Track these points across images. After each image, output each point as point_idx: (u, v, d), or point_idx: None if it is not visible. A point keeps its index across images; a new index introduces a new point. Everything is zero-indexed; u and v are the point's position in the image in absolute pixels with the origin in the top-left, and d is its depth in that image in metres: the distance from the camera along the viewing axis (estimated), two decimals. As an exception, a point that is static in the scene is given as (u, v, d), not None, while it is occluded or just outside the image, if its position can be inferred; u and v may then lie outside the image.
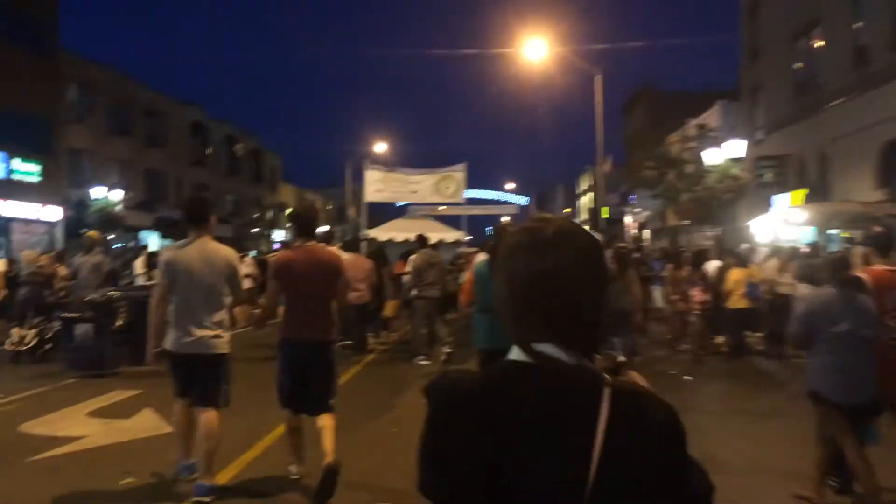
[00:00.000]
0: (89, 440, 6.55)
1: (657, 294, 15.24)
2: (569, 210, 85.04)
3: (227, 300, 5.28)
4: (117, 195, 29.09)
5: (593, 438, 1.19)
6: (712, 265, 12.39)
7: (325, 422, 5.22)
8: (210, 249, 5.19)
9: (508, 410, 1.23)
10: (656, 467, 1.21)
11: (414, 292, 12.01)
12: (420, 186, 23.27)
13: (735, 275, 11.73)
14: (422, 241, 12.98)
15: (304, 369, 5.27)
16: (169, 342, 5.13)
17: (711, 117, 28.96)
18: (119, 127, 34.80)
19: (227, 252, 5.32)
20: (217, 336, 5.16)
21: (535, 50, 26.83)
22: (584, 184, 74.96)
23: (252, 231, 51.42)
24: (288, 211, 62.66)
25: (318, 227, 5.92)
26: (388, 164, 25.08)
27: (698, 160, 20.73)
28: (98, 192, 28.70)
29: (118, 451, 6.27)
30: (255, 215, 54.11)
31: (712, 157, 19.07)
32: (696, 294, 11.69)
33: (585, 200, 73.72)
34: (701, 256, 12.79)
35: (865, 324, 4.74)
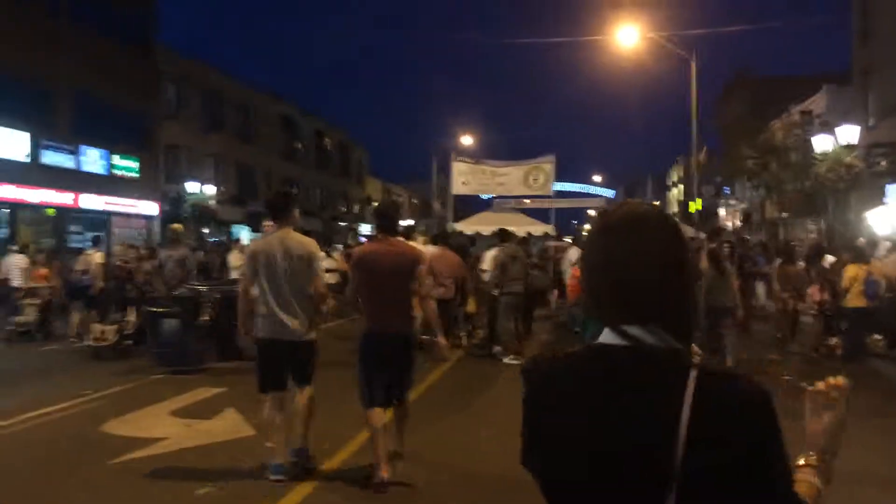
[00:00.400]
0: (170, 442, 6.42)
1: (760, 291, 14.26)
2: (657, 203, 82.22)
3: (310, 289, 5.44)
4: (211, 190, 29.78)
5: (678, 421, 1.18)
6: (829, 260, 11.42)
7: (399, 412, 5.52)
8: (291, 240, 5.41)
9: (597, 389, 1.28)
10: (744, 452, 1.17)
11: (496, 290, 11.59)
12: (508, 178, 22.75)
13: (852, 271, 10.77)
14: (503, 235, 12.49)
15: (385, 361, 5.36)
16: (258, 330, 5.42)
17: (817, 103, 27.27)
18: (212, 122, 35.67)
19: (308, 242, 5.54)
20: (302, 323, 5.38)
21: (627, 36, 25.82)
22: (675, 175, 72.57)
23: (339, 224, 52.03)
24: (374, 204, 63.36)
25: (399, 221, 6.08)
26: (474, 156, 24.58)
27: (805, 148, 19.40)
28: (192, 187, 29.45)
29: (198, 455, 6.09)
30: (342, 209, 54.74)
31: (823, 143, 17.75)
32: (814, 292, 10.78)
33: (675, 192, 71.38)
34: (818, 251, 11.83)
35: None
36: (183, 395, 8.15)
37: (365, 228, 57.15)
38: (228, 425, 6.97)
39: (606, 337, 1.32)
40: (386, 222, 5.69)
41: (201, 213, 29.36)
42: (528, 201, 25.75)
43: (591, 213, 25.60)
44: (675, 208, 73.92)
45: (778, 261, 13.11)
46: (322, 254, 6.05)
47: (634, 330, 1.28)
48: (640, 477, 1.20)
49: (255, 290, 5.45)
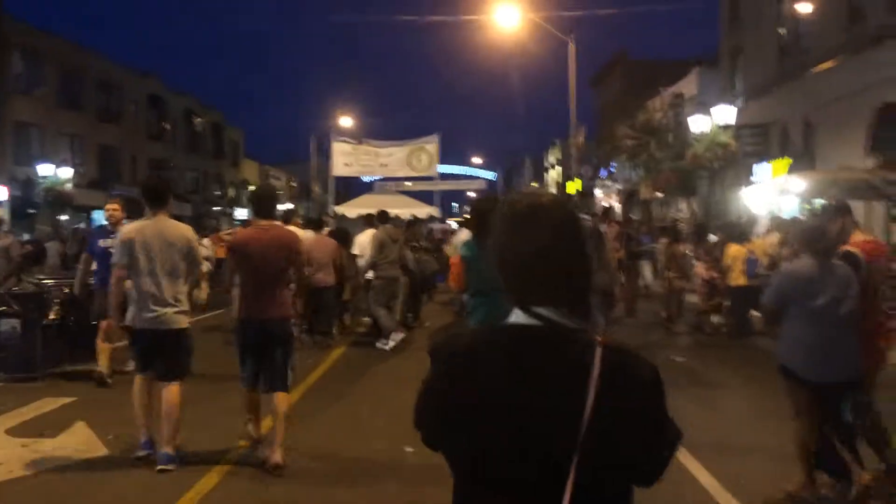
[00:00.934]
0: (3, 470, 5.36)
1: (647, 271, 14.37)
2: (535, 184, 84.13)
3: (186, 277, 5.48)
4: (66, 173, 27.35)
5: (587, 390, 1.35)
6: (712, 239, 11.53)
7: (280, 402, 5.39)
8: (167, 227, 5.38)
9: (516, 363, 1.41)
10: (641, 416, 1.39)
11: (370, 273, 11.02)
12: (391, 160, 22.12)
13: (733, 250, 10.89)
14: (381, 216, 11.91)
15: (262, 346, 5.43)
16: (130, 318, 5.36)
17: (688, 85, 28.15)
18: (70, 99, 32.92)
19: (185, 230, 5.54)
20: (178, 311, 5.35)
21: (505, 17, 25.73)
22: (553, 157, 74.11)
23: (213, 209, 49.67)
24: (250, 188, 60.98)
25: (276, 206, 6.07)
26: (354, 137, 23.77)
27: (680, 128, 19.85)
28: (46, 170, 26.92)
29: (38, 485, 5.11)
30: (216, 193, 52.30)
31: (699, 124, 18.12)
32: (700, 271, 10.81)
33: (553, 174, 72.95)
34: (701, 230, 11.93)
35: (845, 297, 4.39)
36: (22, 408, 6.94)
37: (241, 213, 54.94)
38: (78, 443, 5.94)
39: (517, 317, 1.46)
40: (262, 206, 5.72)
41: (55, 198, 26.92)
42: (409, 184, 25.25)
43: (472, 195, 25.30)
44: (553, 189, 75.73)
45: (663, 240, 13.20)
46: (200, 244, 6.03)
47: (544, 311, 1.43)
48: (554, 436, 1.37)
49: (128, 280, 5.39)
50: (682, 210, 30.32)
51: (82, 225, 31.27)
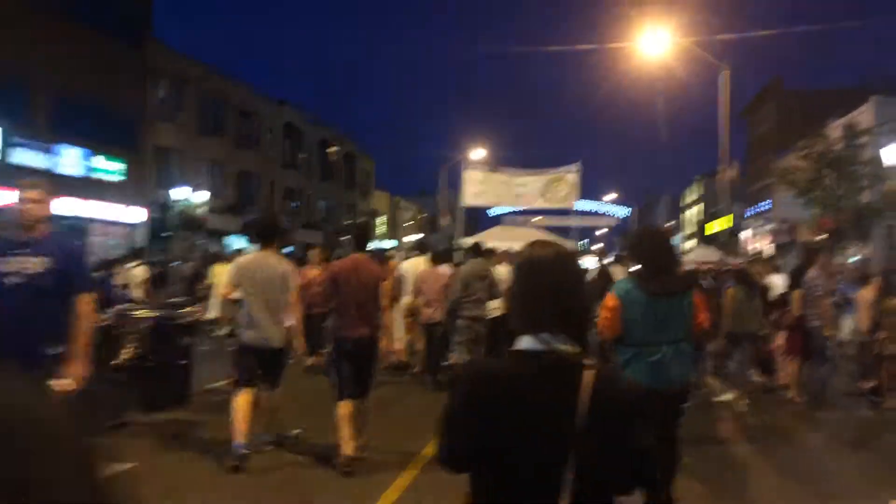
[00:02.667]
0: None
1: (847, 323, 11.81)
2: (671, 223, 79.96)
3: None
4: (201, 196, 27.53)
5: (577, 406, 1.70)
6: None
7: (363, 405, 6.31)
8: (271, 259, 6.24)
9: (521, 386, 1.76)
10: (623, 428, 1.76)
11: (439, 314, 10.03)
12: (526, 189, 20.37)
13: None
14: (476, 249, 10.63)
15: (356, 360, 6.24)
16: (245, 337, 6.13)
17: (865, 115, 24.88)
18: (210, 126, 33.55)
19: (285, 262, 6.39)
20: (279, 333, 6.18)
21: (651, 41, 23.66)
22: (692, 195, 70.14)
23: (343, 238, 49.74)
24: (380, 218, 61.09)
25: (369, 241, 6.99)
26: (488, 167, 22.20)
27: (869, 159, 17.08)
28: (180, 193, 27.17)
29: None
30: (346, 222, 52.48)
31: (893, 154, 15.29)
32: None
33: (692, 213, 68.93)
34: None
35: None
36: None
37: (371, 243, 54.85)
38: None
39: (527, 343, 1.82)
40: (357, 240, 6.71)
41: (188, 221, 27.05)
42: (537, 218, 23.47)
43: (599, 232, 23.15)
44: (690, 229, 71.54)
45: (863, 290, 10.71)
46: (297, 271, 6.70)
47: (553, 339, 1.80)
48: (554, 442, 1.71)
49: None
50: (853, 255, 26.87)
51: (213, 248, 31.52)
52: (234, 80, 36.21)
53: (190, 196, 27.50)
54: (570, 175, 20.24)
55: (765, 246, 40.41)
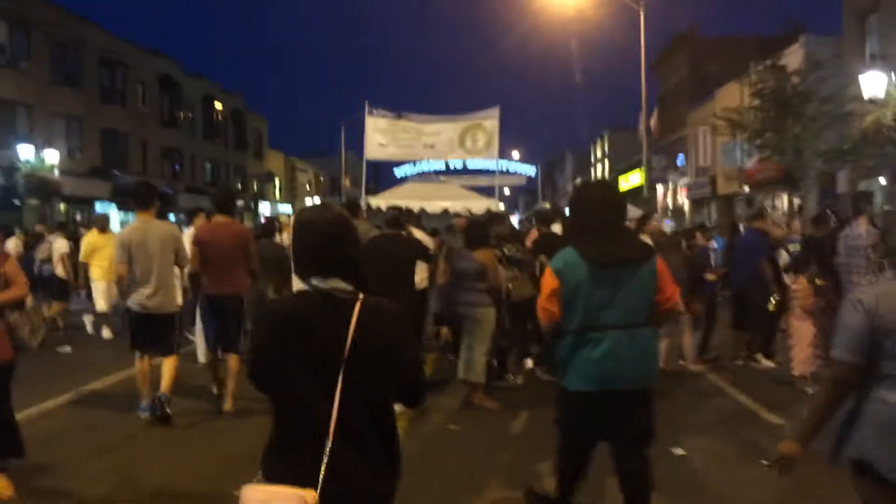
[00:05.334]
0: None
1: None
2: (579, 180, 78.73)
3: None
4: (52, 156, 23.12)
5: (349, 329, 2.09)
6: None
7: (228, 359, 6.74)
8: (155, 227, 6.43)
9: (299, 317, 2.15)
10: (386, 344, 2.12)
11: None
12: (439, 139, 17.45)
13: None
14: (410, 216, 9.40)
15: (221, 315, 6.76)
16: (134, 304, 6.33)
17: (794, 55, 23.07)
18: (66, 76, 28.80)
19: (170, 229, 6.70)
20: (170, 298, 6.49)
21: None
22: (599, 150, 69.11)
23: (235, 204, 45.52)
24: (276, 181, 56.91)
25: (233, 203, 7.42)
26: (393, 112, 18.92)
27: (828, 96, 15.12)
28: (26, 152, 22.66)
29: None
30: (238, 185, 48.16)
31: (873, 84, 13.14)
32: None
33: (600, 170, 67.85)
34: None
35: None
36: None
37: (266, 207, 50.85)
38: None
39: (304, 285, 2.21)
40: (220, 204, 6.99)
41: (37, 185, 22.70)
42: (442, 178, 20.65)
43: (506, 191, 20.69)
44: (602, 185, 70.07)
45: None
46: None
47: (325, 281, 2.18)
48: (327, 363, 2.07)
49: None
50: (779, 208, 25.48)
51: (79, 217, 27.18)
52: (93, 24, 31.30)
53: (37, 156, 22.99)
54: (489, 122, 17.46)
55: (681, 201, 39.21)
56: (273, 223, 9.83)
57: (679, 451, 5.52)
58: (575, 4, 26.72)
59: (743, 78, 23.32)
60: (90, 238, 10.43)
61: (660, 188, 41.77)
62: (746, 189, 27.79)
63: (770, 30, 32.63)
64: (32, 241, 13.97)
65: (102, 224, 10.67)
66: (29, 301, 9.93)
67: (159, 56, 37.34)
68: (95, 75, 31.04)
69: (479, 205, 16.86)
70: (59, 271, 11.41)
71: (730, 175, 29.59)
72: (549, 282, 3.66)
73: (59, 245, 11.61)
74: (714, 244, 10.96)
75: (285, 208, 52.73)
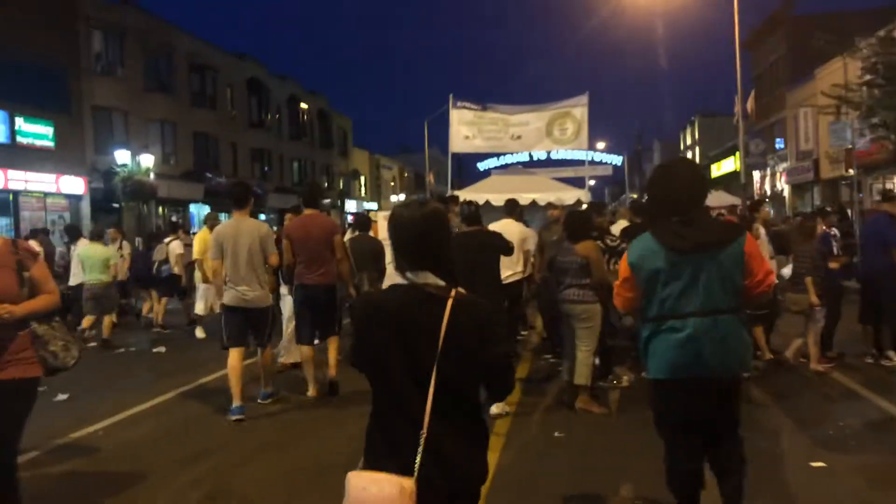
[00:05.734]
0: None
1: None
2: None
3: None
4: (147, 160, 23.78)
5: (442, 323, 2.14)
6: None
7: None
8: (247, 224, 6.60)
9: (394, 310, 2.22)
10: (476, 340, 2.16)
11: None
12: (526, 130, 16.93)
13: None
14: (510, 207, 8.62)
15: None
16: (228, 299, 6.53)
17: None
18: (159, 82, 29.63)
19: (262, 228, 6.73)
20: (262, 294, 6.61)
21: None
22: (689, 137, 66.80)
23: (323, 202, 46.11)
24: (362, 178, 57.41)
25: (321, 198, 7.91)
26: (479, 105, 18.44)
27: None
28: (122, 157, 23.37)
29: None
30: (325, 184, 48.78)
31: None
32: None
33: (693, 156, 65.53)
34: None
35: None
36: None
37: (352, 205, 51.38)
38: None
39: (401, 279, 2.27)
40: (308, 198, 7.36)
41: (134, 189, 23.38)
42: (521, 168, 20.18)
43: (591, 182, 19.70)
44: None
45: None
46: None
47: (418, 276, 2.24)
48: (421, 356, 2.15)
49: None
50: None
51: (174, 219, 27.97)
52: (183, 30, 32.12)
53: (133, 160, 23.66)
54: (578, 110, 16.81)
55: (780, 186, 37.24)
56: (367, 217, 9.65)
57: (818, 464, 4.89)
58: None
59: (847, 54, 21.74)
60: (202, 235, 10.55)
61: (756, 174, 39.83)
62: (852, 172, 26.01)
63: (874, 2, 30.44)
64: (150, 243, 14.66)
65: (213, 222, 10.76)
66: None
67: (246, 59, 38.10)
68: (186, 80, 31.87)
69: (569, 196, 16.23)
70: (177, 270, 12.32)
71: (836, 157, 27.84)
72: (623, 268, 3.59)
73: (174, 246, 12.38)
74: (835, 230, 10.08)
75: (371, 205, 53.15)
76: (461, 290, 2.23)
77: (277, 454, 5.50)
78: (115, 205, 25.24)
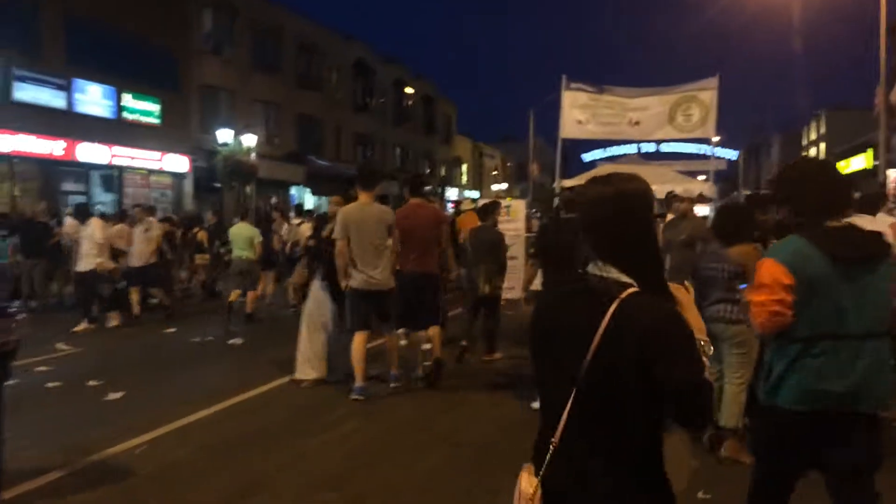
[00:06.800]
0: None
1: None
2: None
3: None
4: (249, 139, 23.49)
5: (598, 327, 1.78)
6: None
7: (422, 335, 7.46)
8: (373, 208, 6.68)
9: (555, 307, 2.00)
10: (641, 353, 1.74)
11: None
12: (646, 115, 15.29)
13: None
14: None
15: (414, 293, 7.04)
16: (355, 283, 6.60)
17: None
18: (265, 62, 29.51)
19: (385, 212, 6.76)
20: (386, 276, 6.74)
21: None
22: (814, 132, 62.30)
23: (425, 188, 45.37)
24: (463, 166, 56.49)
25: (424, 186, 7.63)
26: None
27: None
28: (224, 136, 23.15)
29: None
30: (426, 170, 48.11)
31: None
32: None
33: (815, 153, 61.10)
34: None
35: None
36: None
37: (453, 193, 50.52)
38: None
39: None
40: (414, 186, 7.45)
41: (234, 168, 23.14)
42: (636, 157, 18.62)
43: (701, 178, 17.93)
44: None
45: None
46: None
47: (596, 267, 1.89)
48: (569, 361, 1.83)
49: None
50: None
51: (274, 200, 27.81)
52: (293, 10, 31.91)
53: (235, 139, 23.42)
54: (706, 94, 15.06)
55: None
56: (494, 206, 8.88)
57: None
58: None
59: None
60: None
61: (891, 173, 36.28)
62: None
63: None
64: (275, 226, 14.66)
65: (336, 207, 10.23)
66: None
67: (353, 41, 37.69)
68: (293, 61, 31.67)
69: (690, 187, 14.62)
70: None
71: None
72: (776, 275, 2.91)
73: (303, 229, 12.25)
74: None
75: (472, 194, 52.17)
76: (651, 287, 1.85)
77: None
78: (216, 185, 25.19)
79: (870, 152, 40.25)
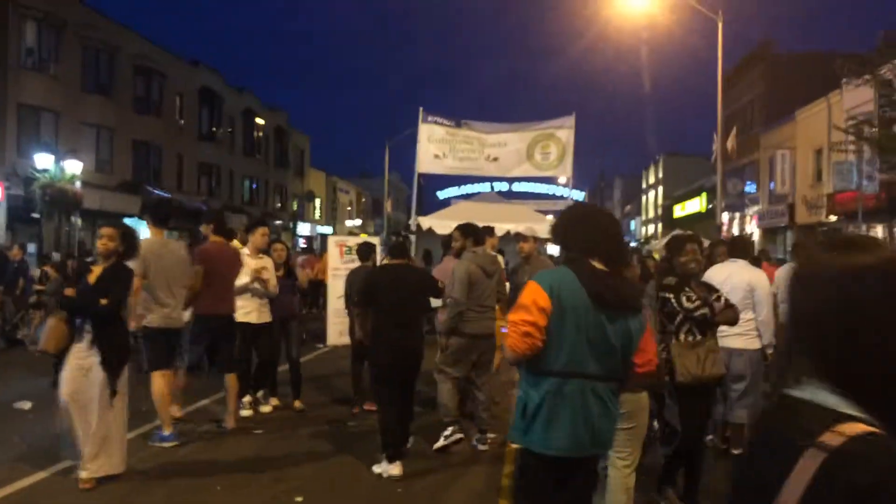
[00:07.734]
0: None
1: None
2: (629, 206, 75.85)
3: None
4: (74, 166, 21.15)
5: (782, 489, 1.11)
6: None
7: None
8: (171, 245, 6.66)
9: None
10: None
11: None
12: (504, 151, 14.99)
13: None
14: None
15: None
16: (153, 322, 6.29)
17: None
18: (98, 83, 27.07)
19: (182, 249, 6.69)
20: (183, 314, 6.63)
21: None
22: (652, 176, 65.97)
23: (275, 223, 43.58)
24: (317, 201, 54.97)
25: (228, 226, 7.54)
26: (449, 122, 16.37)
27: None
28: (43, 161, 20.65)
29: None
30: (277, 204, 46.27)
31: None
32: None
33: (654, 196, 64.65)
34: None
35: None
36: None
37: (304, 228, 48.87)
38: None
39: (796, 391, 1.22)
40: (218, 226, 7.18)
41: (56, 198, 20.69)
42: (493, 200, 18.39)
43: (549, 217, 17.99)
44: (650, 213, 67.43)
45: None
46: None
47: (816, 391, 1.17)
48: None
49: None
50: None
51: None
52: (130, 30, 29.64)
53: (56, 165, 20.96)
54: (563, 132, 14.97)
55: (750, 230, 35.99)
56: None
57: None
58: (627, 24, 24.30)
59: (832, 96, 20.46)
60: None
61: (725, 216, 38.68)
62: (833, 218, 24.78)
63: (850, 46, 29.61)
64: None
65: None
66: None
67: (200, 67, 35.68)
68: (130, 83, 29.32)
69: (544, 228, 14.32)
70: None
71: (815, 203, 26.80)
72: (535, 297, 2.95)
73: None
74: None
75: (325, 229, 50.75)
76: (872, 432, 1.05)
77: None
78: (35, 215, 22.50)
79: (703, 196, 42.95)
